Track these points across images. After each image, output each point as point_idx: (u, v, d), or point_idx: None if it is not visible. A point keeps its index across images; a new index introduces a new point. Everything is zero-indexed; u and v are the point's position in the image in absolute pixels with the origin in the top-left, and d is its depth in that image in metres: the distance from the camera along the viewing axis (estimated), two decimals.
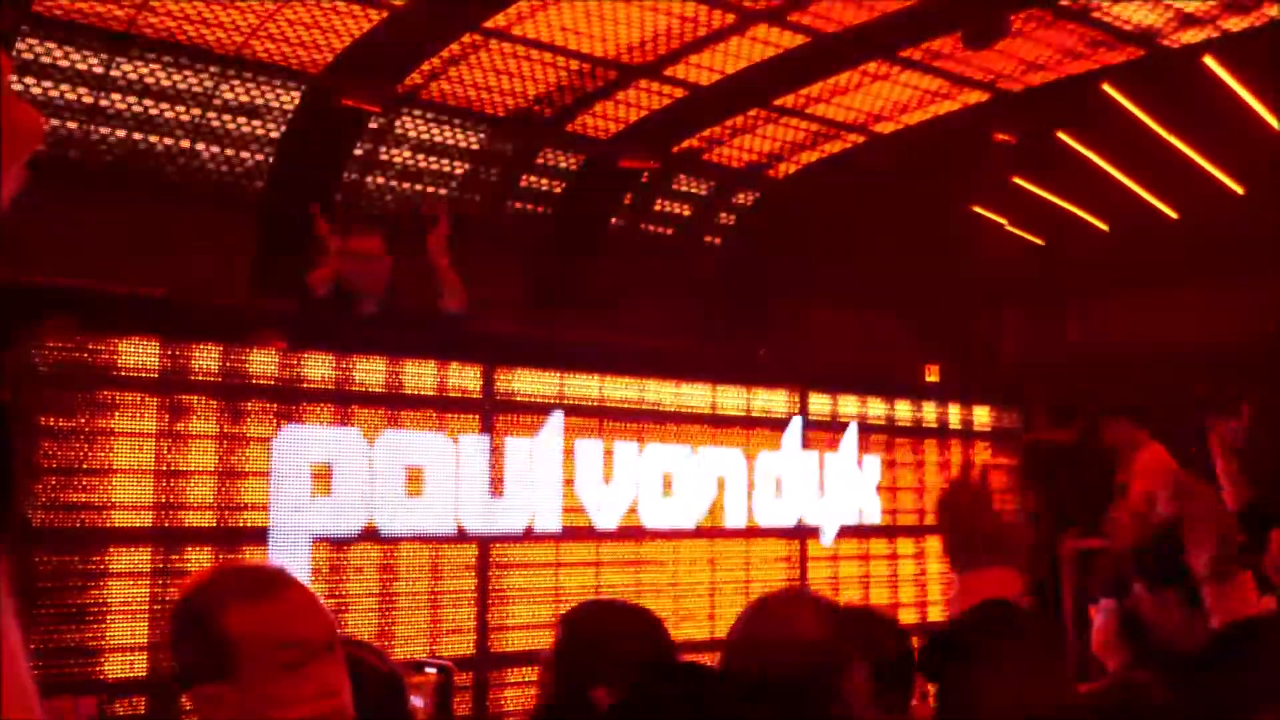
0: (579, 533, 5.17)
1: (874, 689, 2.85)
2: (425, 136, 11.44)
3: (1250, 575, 3.22)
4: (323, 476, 4.49)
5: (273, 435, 4.39)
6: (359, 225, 6.06)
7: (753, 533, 5.90)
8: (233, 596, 2.01)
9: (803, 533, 6.12)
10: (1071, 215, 12.77)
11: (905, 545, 6.61)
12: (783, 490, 6.05)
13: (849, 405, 6.46)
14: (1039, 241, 13.05)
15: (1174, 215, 12.17)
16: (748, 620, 2.52)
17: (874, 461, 6.50)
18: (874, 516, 6.47)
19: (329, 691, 2.01)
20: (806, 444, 6.18)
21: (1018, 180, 12.34)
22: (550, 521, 5.10)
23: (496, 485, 4.96)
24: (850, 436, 6.41)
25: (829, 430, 6.31)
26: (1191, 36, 10.48)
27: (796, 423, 6.15)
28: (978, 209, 12.49)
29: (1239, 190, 11.75)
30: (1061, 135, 11.69)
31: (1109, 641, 3.57)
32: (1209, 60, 10.46)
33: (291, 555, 4.30)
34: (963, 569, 2.76)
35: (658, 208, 13.29)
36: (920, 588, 6.65)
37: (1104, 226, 12.59)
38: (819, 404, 6.29)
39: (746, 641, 2.45)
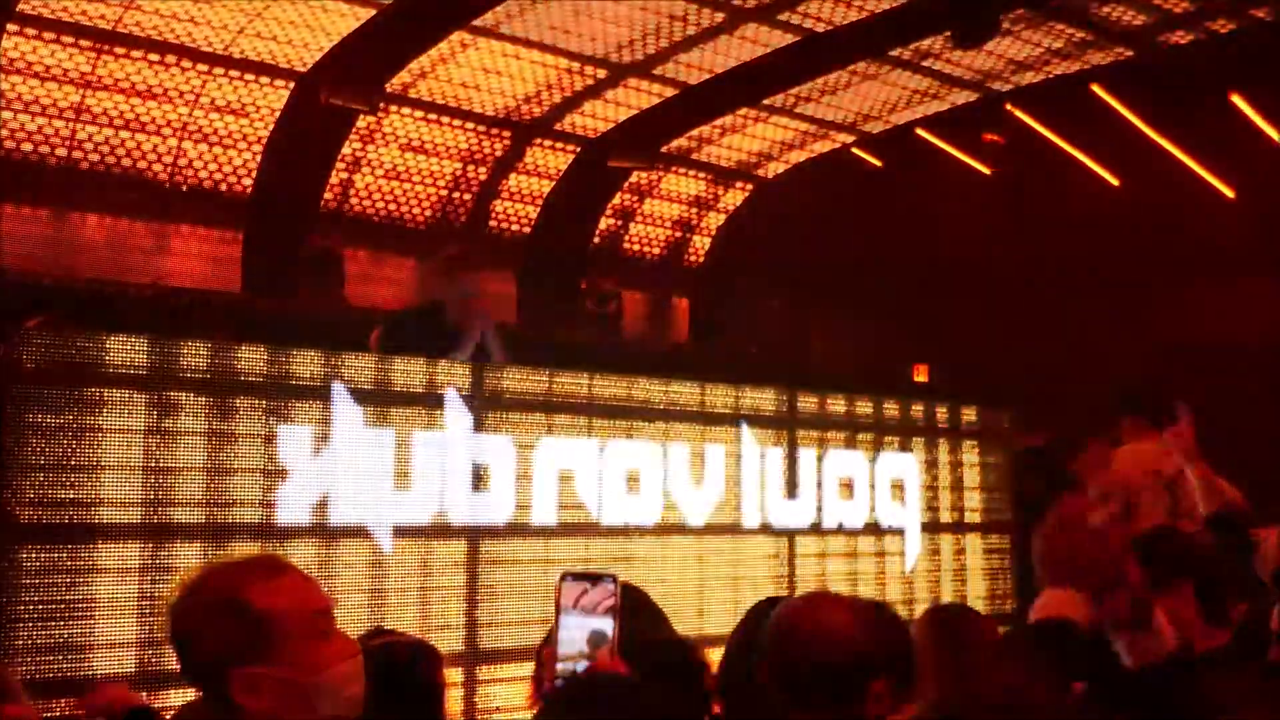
0: (569, 529, 5.16)
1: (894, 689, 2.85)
2: (414, 136, 11.42)
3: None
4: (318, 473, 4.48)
5: (263, 431, 4.38)
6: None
7: (742, 530, 5.89)
8: (255, 578, 2.08)
9: (791, 530, 6.12)
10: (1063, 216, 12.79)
11: (893, 543, 6.61)
12: (773, 489, 6.05)
13: (838, 404, 6.46)
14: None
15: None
16: (780, 619, 2.46)
17: (862, 460, 6.51)
18: (862, 515, 6.47)
19: (350, 653, 2.11)
20: (794, 443, 6.18)
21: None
22: (540, 517, 5.09)
23: (485, 481, 4.95)
24: (838, 435, 6.41)
25: (817, 429, 6.31)
26: (1180, 37, 10.51)
27: (784, 422, 6.15)
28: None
29: (1229, 194, 11.77)
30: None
31: None
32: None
33: (282, 552, 4.28)
34: (1042, 586, 2.80)
35: (647, 207, 13.29)
36: (907, 585, 6.65)
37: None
38: (807, 403, 6.29)
39: (780, 640, 2.41)
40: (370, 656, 2.21)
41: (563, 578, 2.29)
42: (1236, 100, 10.87)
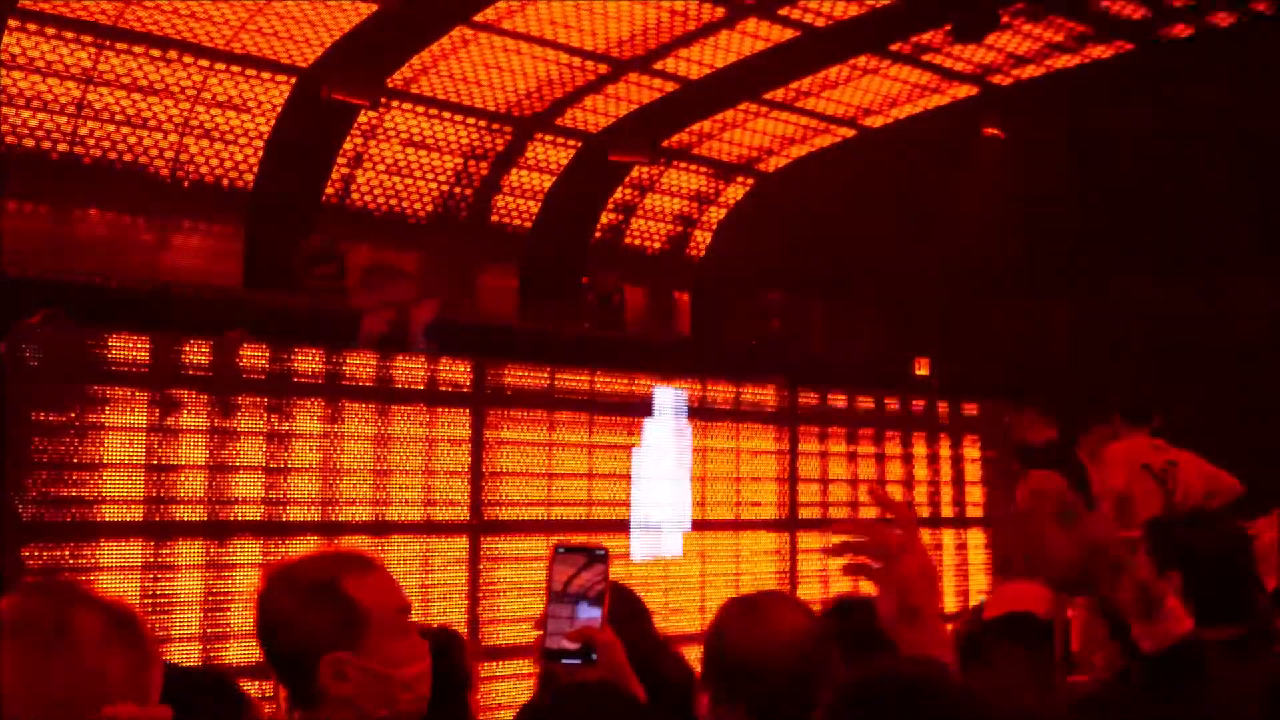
0: (570, 525, 5.17)
1: None
2: (415, 131, 11.42)
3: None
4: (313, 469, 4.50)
5: (264, 429, 4.39)
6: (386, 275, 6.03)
7: (743, 525, 5.91)
8: (349, 569, 2.18)
9: (792, 525, 6.13)
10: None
11: None
12: (772, 483, 6.06)
13: (838, 399, 6.47)
14: None
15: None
16: (731, 619, 2.47)
17: (863, 454, 6.52)
18: (862, 509, 6.48)
19: (423, 654, 2.22)
20: (796, 437, 6.19)
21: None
22: (541, 514, 5.11)
23: (485, 478, 4.96)
24: (839, 430, 6.42)
25: (818, 424, 6.32)
26: (1179, 30, 10.50)
27: (786, 416, 6.16)
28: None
29: None
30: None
31: (1094, 638, 3.56)
32: None
33: (294, 548, 4.30)
34: (1004, 578, 2.80)
35: (648, 202, 13.28)
36: None
37: None
38: (808, 398, 6.30)
39: (731, 641, 2.42)
40: None
41: (555, 550, 2.31)
42: None
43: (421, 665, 2.20)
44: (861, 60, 11.06)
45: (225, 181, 10.60)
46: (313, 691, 2.12)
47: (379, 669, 2.13)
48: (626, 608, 2.95)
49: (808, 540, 6.18)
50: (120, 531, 4.03)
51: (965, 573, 6.93)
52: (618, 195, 12.93)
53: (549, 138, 12.03)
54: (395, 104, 11.01)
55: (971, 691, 1.66)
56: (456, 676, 2.87)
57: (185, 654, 4.11)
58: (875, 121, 12.37)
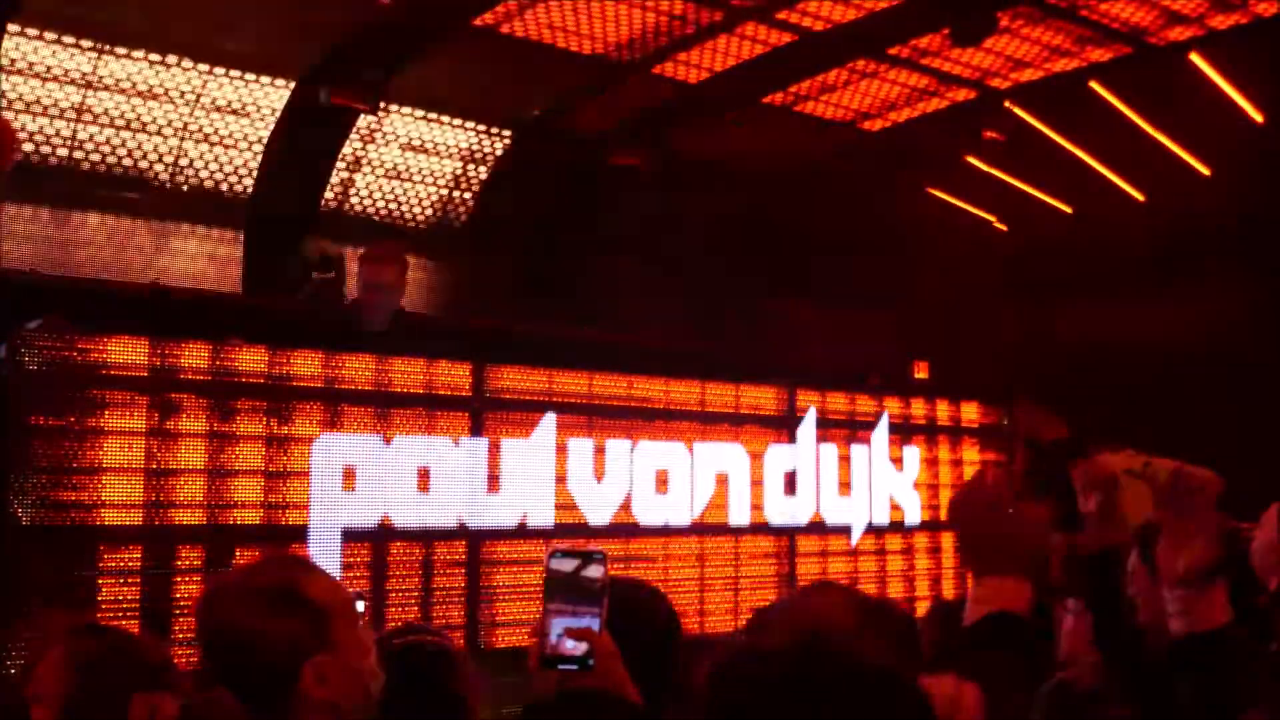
0: (569, 529, 5.18)
1: None
2: (414, 135, 11.43)
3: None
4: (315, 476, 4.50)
5: (262, 434, 4.40)
6: (380, 254, 6.00)
7: (742, 529, 5.91)
8: (300, 573, 2.19)
9: (791, 529, 6.14)
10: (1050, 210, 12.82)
11: (894, 541, 6.63)
12: (771, 487, 6.07)
13: (837, 402, 6.48)
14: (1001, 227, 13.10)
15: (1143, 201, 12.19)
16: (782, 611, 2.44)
17: (862, 458, 6.52)
18: (863, 512, 6.49)
19: (371, 643, 2.24)
20: (794, 441, 6.20)
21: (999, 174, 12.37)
22: (541, 518, 5.11)
23: (488, 482, 4.97)
24: (838, 432, 6.43)
25: (817, 427, 6.32)
26: (1178, 34, 10.50)
27: (784, 420, 6.17)
28: (945, 195, 12.42)
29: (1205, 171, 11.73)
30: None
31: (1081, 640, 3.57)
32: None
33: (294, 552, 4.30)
34: (977, 575, 2.76)
35: (646, 203, 13.27)
36: (908, 583, 6.67)
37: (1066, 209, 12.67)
38: (807, 401, 6.31)
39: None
40: (391, 658, 2.27)
41: (550, 555, 2.28)
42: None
43: (372, 655, 2.22)
44: (860, 64, 11.07)
45: (224, 186, 10.61)
46: (290, 701, 2.08)
47: (353, 663, 2.15)
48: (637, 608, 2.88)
49: (806, 544, 6.19)
50: (120, 535, 4.04)
51: (964, 575, 6.94)
52: (615, 196, 12.93)
53: (548, 141, 12.03)
54: (394, 108, 11.03)
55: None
56: (447, 698, 2.75)
57: (184, 658, 4.11)
58: (874, 125, 12.37)
